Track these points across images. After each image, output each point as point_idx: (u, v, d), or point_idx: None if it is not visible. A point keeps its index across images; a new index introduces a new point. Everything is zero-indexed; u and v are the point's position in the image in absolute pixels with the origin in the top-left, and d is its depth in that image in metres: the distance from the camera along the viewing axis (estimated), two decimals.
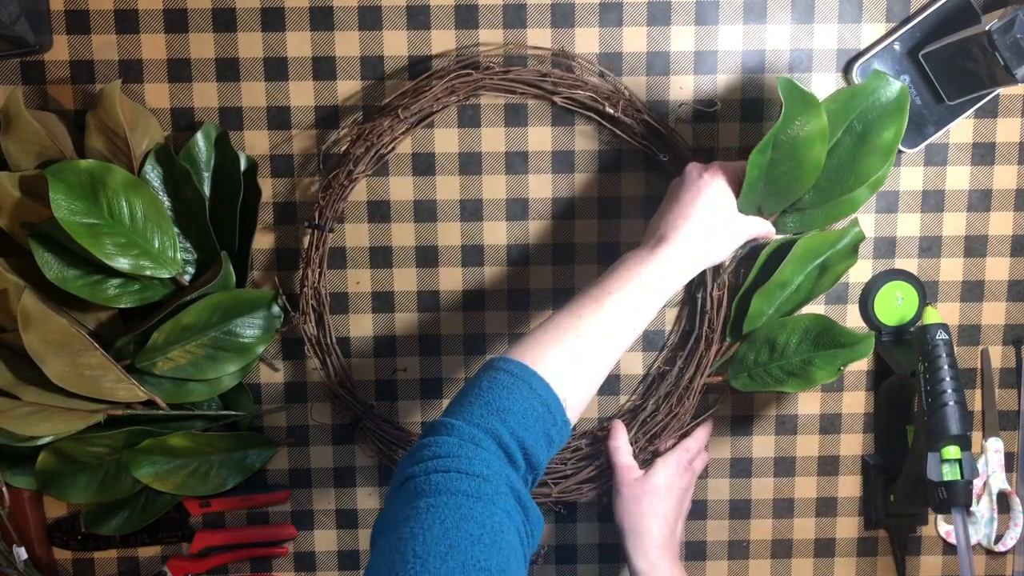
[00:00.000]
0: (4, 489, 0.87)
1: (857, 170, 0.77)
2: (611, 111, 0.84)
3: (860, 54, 0.85)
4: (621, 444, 0.86)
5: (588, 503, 0.92)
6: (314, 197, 0.87)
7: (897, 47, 0.85)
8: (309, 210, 0.87)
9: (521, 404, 0.63)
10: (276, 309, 0.86)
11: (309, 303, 0.86)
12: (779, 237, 0.84)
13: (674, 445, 0.88)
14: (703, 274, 0.86)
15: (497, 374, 0.65)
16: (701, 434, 0.89)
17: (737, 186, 0.77)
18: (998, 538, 0.93)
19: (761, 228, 0.80)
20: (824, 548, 0.94)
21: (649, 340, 0.90)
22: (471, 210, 0.88)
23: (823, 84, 0.86)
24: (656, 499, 0.83)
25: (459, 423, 0.62)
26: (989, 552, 0.93)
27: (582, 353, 0.68)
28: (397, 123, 0.83)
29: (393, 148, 0.86)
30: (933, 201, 0.88)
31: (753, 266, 0.86)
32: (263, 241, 0.88)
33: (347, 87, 0.86)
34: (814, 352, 0.84)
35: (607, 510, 0.86)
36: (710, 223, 0.75)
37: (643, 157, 0.87)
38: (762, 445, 0.92)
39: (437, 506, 0.56)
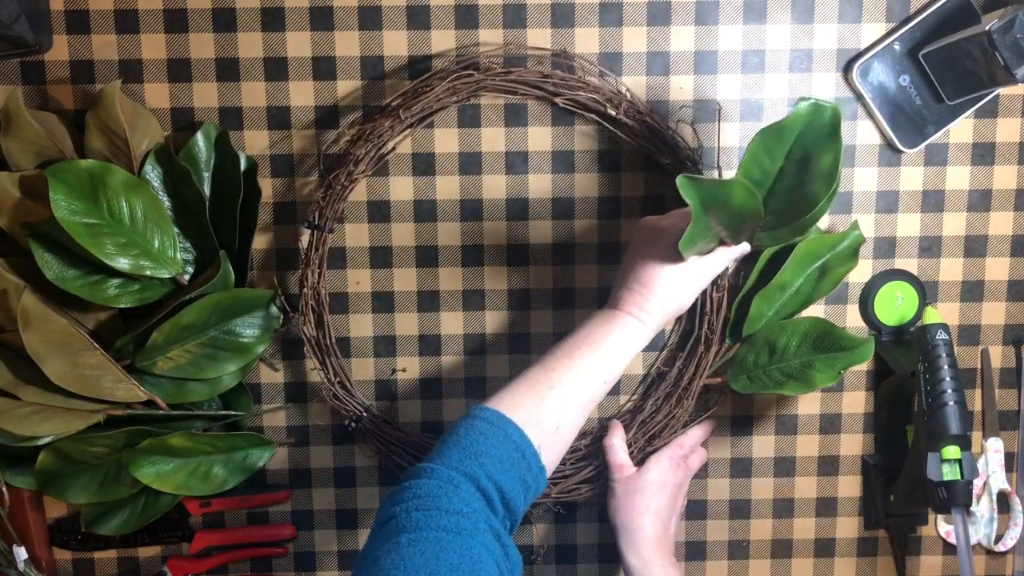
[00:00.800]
0: (4, 489, 0.87)
1: (805, 194, 0.74)
2: (612, 113, 0.84)
3: (860, 54, 0.85)
4: (616, 442, 0.86)
5: (588, 503, 0.92)
6: (313, 197, 0.87)
7: (897, 47, 0.85)
8: (309, 210, 0.87)
9: (497, 449, 0.66)
10: (274, 310, 0.86)
11: (308, 304, 0.86)
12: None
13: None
14: None
15: (473, 421, 0.68)
16: (697, 432, 0.89)
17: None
18: (998, 538, 0.93)
19: (729, 259, 0.79)
20: (824, 548, 0.94)
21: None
22: (471, 210, 0.88)
23: (823, 84, 0.86)
24: (648, 496, 0.83)
25: (438, 467, 0.64)
26: (989, 552, 0.93)
27: (556, 404, 0.71)
28: (397, 124, 0.83)
29: (394, 149, 0.86)
30: (933, 201, 0.88)
31: (753, 268, 0.86)
32: (263, 241, 0.88)
33: (347, 87, 0.86)
34: (814, 355, 0.84)
35: (605, 509, 0.86)
36: (671, 287, 0.76)
37: (643, 157, 0.87)
38: (762, 445, 0.92)
39: (418, 541, 0.58)
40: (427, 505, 0.61)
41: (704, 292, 0.86)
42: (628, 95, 0.84)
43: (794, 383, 0.84)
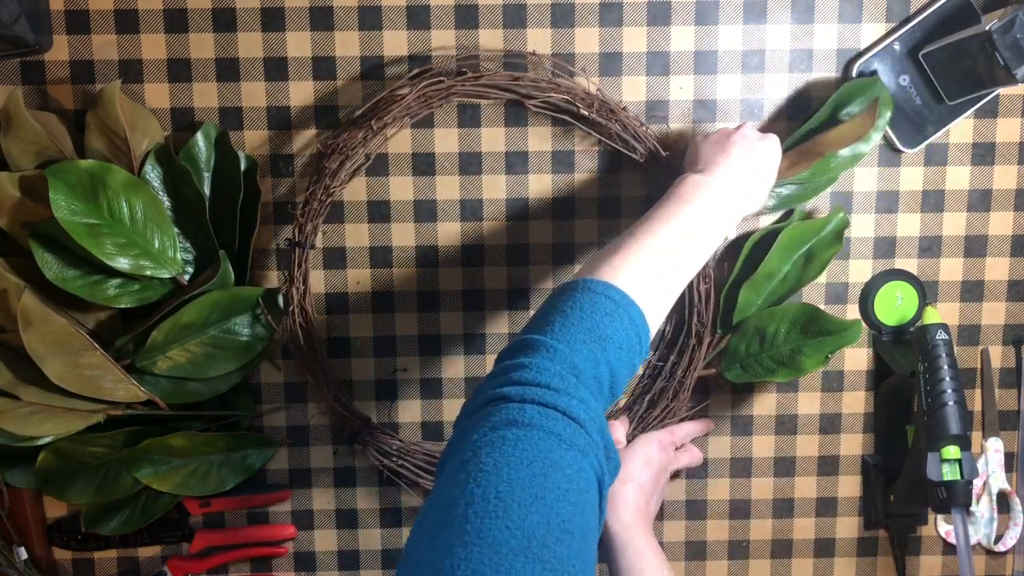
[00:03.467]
0: (4, 489, 0.87)
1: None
2: (585, 112, 0.84)
3: (860, 54, 0.85)
4: (617, 424, 0.87)
5: None
6: (296, 198, 0.87)
7: (897, 47, 0.85)
8: (290, 226, 0.86)
9: (620, 334, 0.61)
10: (261, 329, 0.86)
11: (296, 321, 0.85)
12: (763, 227, 0.87)
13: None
14: None
15: (597, 299, 0.61)
16: (690, 427, 0.89)
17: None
18: (998, 538, 0.93)
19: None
20: (824, 548, 0.94)
21: None
22: (471, 210, 0.88)
23: (823, 84, 0.86)
24: (634, 468, 0.82)
25: (562, 347, 0.58)
26: (989, 552, 0.93)
27: (666, 276, 0.66)
28: (369, 134, 0.82)
29: (368, 160, 0.85)
30: (933, 201, 0.88)
31: (737, 258, 0.86)
32: (263, 241, 0.88)
33: (347, 87, 0.86)
34: (803, 341, 0.85)
35: None
36: (761, 165, 0.77)
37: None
38: (762, 445, 0.92)
39: (527, 442, 0.51)
40: (545, 399, 0.54)
41: (691, 284, 0.86)
42: (600, 94, 0.84)
43: (785, 369, 0.85)
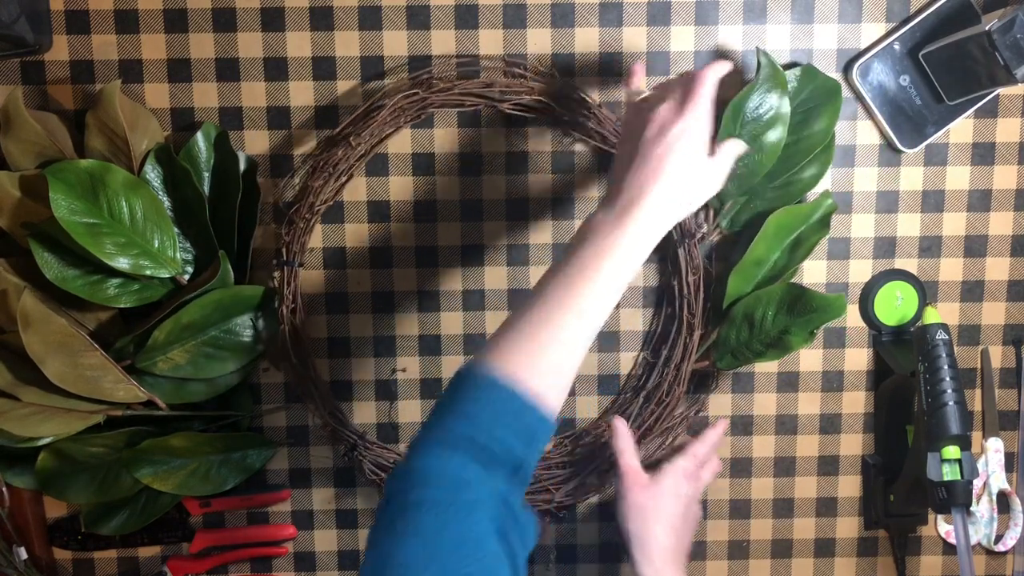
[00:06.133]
0: (4, 489, 0.87)
1: (800, 150, 0.84)
2: (560, 112, 0.83)
3: (860, 54, 0.85)
4: (625, 446, 0.84)
5: (587, 503, 0.92)
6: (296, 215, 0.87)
7: (897, 47, 0.85)
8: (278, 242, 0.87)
9: (491, 408, 0.61)
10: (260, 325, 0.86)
11: (288, 340, 0.85)
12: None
13: (664, 449, 0.87)
14: (677, 260, 0.86)
15: (464, 381, 0.63)
16: (711, 437, 0.87)
17: (711, 123, 0.71)
18: (998, 538, 0.93)
19: (734, 155, 0.74)
20: (824, 548, 0.94)
21: (638, 336, 0.90)
22: (471, 210, 0.88)
23: None
24: (662, 504, 0.82)
25: (435, 437, 0.60)
26: (989, 552, 0.93)
27: (557, 345, 0.64)
28: (350, 151, 0.82)
29: (352, 176, 0.85)
30: (933, 201, 0.88)
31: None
32: (263, 241, 0.88)
33: (347, 87, 0.86)
34: (790, 321, 0.84)
35: (606, 510, 0.86)
36: (684, 178, 0.68)
37: None
38: (762, 445, 0.92)
39: (414, 522, 0.57)
40: (425, 481, 0.58)
41: (680, 276, 0.86)
42: (577, 94, 0.84)
43: (772, 351, 0.85)
